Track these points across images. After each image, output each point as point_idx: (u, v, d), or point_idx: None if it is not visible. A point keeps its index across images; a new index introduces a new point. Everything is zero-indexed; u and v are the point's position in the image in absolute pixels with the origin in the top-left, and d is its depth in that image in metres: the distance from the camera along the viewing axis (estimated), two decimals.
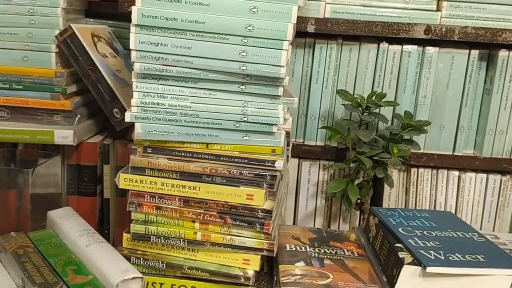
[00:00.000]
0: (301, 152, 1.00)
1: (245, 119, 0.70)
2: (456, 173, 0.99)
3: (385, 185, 0.99)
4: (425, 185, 1.00)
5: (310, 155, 1.00)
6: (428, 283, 0.65)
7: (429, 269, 0.64)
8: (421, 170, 0.99)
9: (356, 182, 0.96)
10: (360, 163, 0.90)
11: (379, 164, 0.92)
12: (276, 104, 0.71)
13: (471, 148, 1.01)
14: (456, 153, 0.99)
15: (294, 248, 0.79)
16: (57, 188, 0.97)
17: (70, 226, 0.76)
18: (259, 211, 0.71)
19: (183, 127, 0.71)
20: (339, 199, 1.01)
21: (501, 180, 0.99)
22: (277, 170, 0.72)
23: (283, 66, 0.67)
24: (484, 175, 0.99)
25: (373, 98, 0.92)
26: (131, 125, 0.73)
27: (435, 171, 0.99)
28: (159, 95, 0.70)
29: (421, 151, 0.98)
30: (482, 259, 0.67)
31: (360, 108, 0.92)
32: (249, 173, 0.71)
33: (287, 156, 0.87)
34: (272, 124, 0.71)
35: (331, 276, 0.71)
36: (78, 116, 0.92)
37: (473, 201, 1.00)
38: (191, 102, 0.70)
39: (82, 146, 0.95)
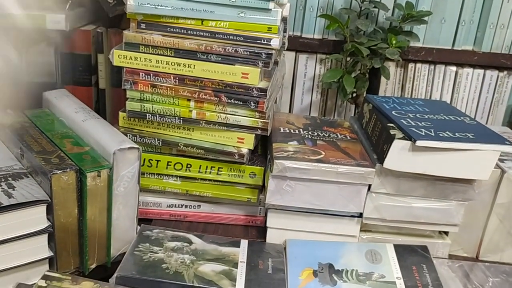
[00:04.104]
0: (298, 45, 0.99)
1: None
2: (454, 68, 0.98)
3: (381, 80, 0.99)
4: (421, 80, 0.99)
5: (307, 48, 0.99)
6: (417, 157, 0.67)
7: (419, 143, 0.65)
8: (418, 65, 0.98)
9: (353, 75, 0.95)
10: (358, 53, 0.89)
11: (377, 55, 0.91)
12: None
13: (471, 44, 0.99)
14: (455, 48, 0.98)
15: (288, 131, 0.80)
16: (51, 77, 0.97)
17: (66, 104, 0.77)
18: (254, 89, 0.71)
19: (177, 1, 0.69)
20: (334, 93, 1.01)
21: (498, 76, 0.99)
22: (272, 49, 0.71)
23: None
24: (481, 71, 0.98)
25: None
26: (124, 13, 0.71)
27: (432, 67, 0.99)
28: None
29: (420, 45, 0.97)
30: (471, 137, 0.68)
31: None
32: (244, 51, 0.71)
33: (283, 44, 0.86)
34: (268, 0, 0.69)
35: (323, 153, 0.73)
36: (70, 1, 0.89)
37: (468, 97, 1.00)
38: None
39: (75, 34, 0.94)
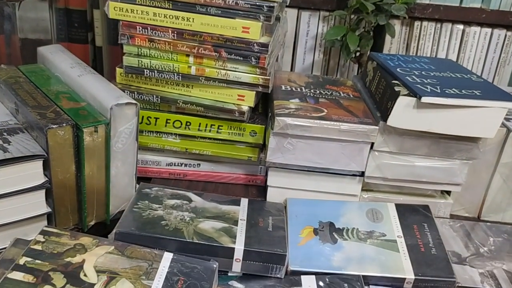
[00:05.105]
0: (300, 2, 0.95)
1: None
2: (461, 26, 0.95)
3: (386, 39, 0.96)
4: (427, 39, 0.97)
5: (310, 4, 0.95)
6: (422, 115, 0.65)
7: (424, 99, 0.64)
8: (424, 23, 0.95)
9: (357, 33, 0.92)
10: (363, 9, 0.86)
11: (382, 12, 0.88)
12: None
13: (479, 2, 0.96)
14: (463, 5, 0.95)
15: (289, 89, 0.79)
16: (46, 34, 0.94)
17: (61, 59, 0.74)
18: (255, 44, 0.69)
19: None
20: (337, 53, 0.99)
21: (505, 36, 0.96)
22: (274, 1, 0.68)
23: None
24: (488, 30, 0.96)
25: None
26: None
27: (439, 25, 0.96)
28: None
29: (427, 1, 0.94)
30: (478, 93, 0.66)
31: None
32: (245, 3, 0.68)
33: None
34: None
35: (325, 111, 0.71)
36: None
37: (474, 57, 0.98)
38: None
39: None
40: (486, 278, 0.63)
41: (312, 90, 0.78)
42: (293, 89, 0.78)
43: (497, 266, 0.65)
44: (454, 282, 0.61)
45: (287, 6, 0.87)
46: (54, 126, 0.59)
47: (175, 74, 0.72)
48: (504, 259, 0.67)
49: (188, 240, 0.60)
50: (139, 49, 0.72)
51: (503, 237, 0.71)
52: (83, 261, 0.55)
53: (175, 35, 0.70)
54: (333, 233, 0.66)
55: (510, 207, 0.76)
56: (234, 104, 0.73)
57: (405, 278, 0.61)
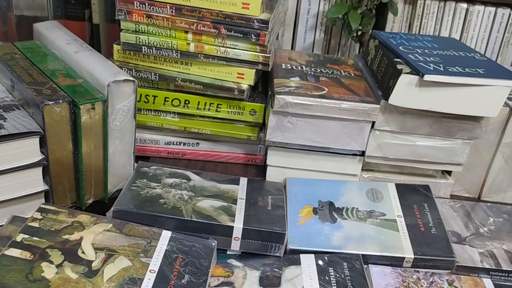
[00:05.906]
0: None
1: None
2: (464, 5, 0.94)
3: (388, 18, 0.95)
4: (430, 18, 0.95)
5: None
6: (424, 93, 0.64)
7: (427, 77, 0.62)
8: (427, 1, 0.94)
9: (359, 11, 0.91)
10: None
11: None
12: None
13: None
14: None
15: (290, 67, 0.77)
16: (42, 11, 0.92)
17: (58, 36, 0.73)
18: (255, 21, 0.67)
19: None
20: (338, 31, 0.97)
21: (509, 15, 0.94)
22: None
23: None
24: (492, 9, 0.94)
25: None
26: None
27: (442, 4, 0.94)
28: None
29: None
30: (481, 72, 0.65)
31: None
32: None
33: None
34: None
35: (326, 89, 0.70)
36: None
37: (477, 37, 0.96)
38: None
39: None
40: (485, 257, 0.63)
41: (313, 69, 0.77)
42: (294, 67, 0.77)
43: (497, 246, 0.65)
44: (453, 261, 0.61)
45: None
46: (50, 103, 0.58)
47: (174, 51, 0.71)
48: (504, 239, 0.66)
49: (187, 218, 0.60)
50: (137, 25, 0.71)
51: (503, 218, 0.71)
52: (81, 238, 0.54)
53: (174, 11, 0.69)
54: (333, 212, 0.66)
55: (511, 188, 0.76)
56: (233, 82, 0.72)
57: (404, 257, 0.60)
